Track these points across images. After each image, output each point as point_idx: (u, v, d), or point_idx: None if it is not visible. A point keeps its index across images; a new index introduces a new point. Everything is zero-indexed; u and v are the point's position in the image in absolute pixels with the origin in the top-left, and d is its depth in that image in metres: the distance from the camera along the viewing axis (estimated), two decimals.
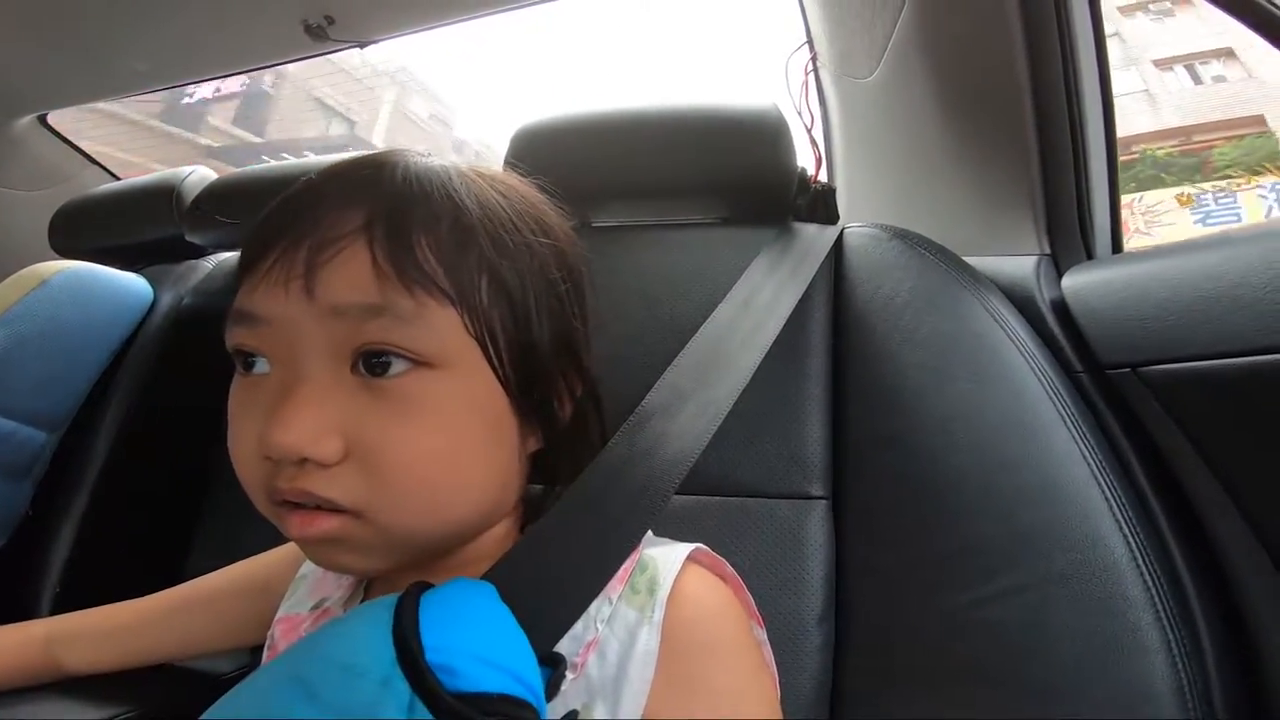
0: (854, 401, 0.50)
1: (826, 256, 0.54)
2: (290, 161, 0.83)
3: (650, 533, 0.34)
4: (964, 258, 0.52)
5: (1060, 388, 0.43)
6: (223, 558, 0.45)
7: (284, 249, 0.27)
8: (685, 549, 0.33)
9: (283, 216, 0.28)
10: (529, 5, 0.82)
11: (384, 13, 0.81)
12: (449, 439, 0.28)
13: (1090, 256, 0.53)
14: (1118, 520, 0.38)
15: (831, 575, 0.46)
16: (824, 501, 0.48)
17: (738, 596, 0.33)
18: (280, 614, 0.38)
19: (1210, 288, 0.39)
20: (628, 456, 0.35)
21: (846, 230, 0.57)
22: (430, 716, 0.21)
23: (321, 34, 0.76)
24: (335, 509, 0.27)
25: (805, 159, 0.61)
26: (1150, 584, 0.36)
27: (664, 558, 0.32)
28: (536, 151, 0.62)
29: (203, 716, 0.24)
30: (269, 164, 0.82)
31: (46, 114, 1.08)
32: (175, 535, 0.80)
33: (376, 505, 0.27)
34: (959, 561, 0.41)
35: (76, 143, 1.13)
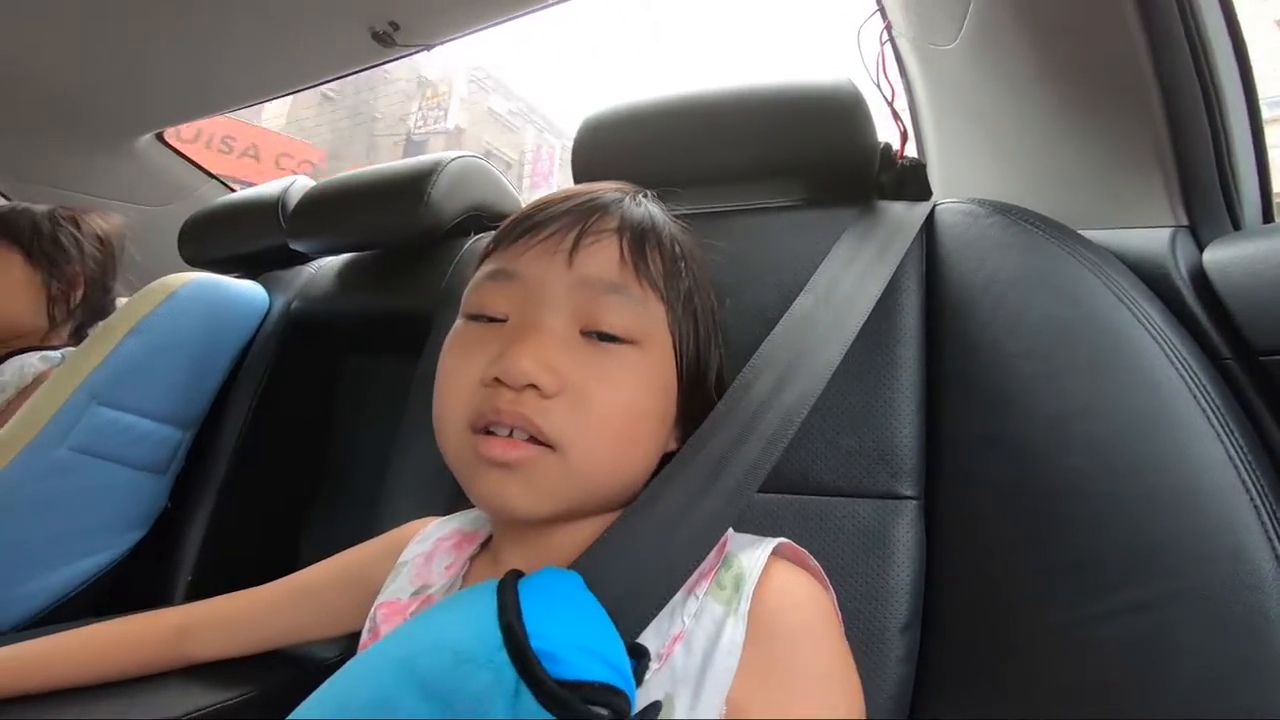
0: (950, 395, 0.46)
1: (916, 237, 0.50)
2: (371, 168, 0.86)
3: (732, 529, 0.36)
4: (1081, 232, 0.46)
5: (1202, 378, 0.37)
6: (332, 543, 0.48)
7: (556, 229, 0.35)
8: (770, 544, 0.35)
9: (553, 211, 0.36)
10: None
11: (447, 14, 0.82)
12: (639, 400, 0.34)
13: (1238, 228, 0.45)
14: (1269, 533, 0.33)
15: (920, 582, 0.43)
16: (915, 502, 0.45)
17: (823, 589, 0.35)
18: (381, 599, 0.40)
19: None
20: (706, 459, 0.35)
21: (938, 207, 0.53)
22: (534, 702, 0.22)
23: (389, 40, 0.78)
24: (536, 442, 0.31)
25: (888, 135, 0.56)
26: None
27: (749, 557, 0.34)
28: (604, 142, 0.61)
29: (314, 694, 0.26)
30: (355, 170, 0.87)
31: (163, 131, 1.18)
32: (291, 523, 0.87)
33: (575, 442, 0.32)
34: (1072, 575, 0.37)
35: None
